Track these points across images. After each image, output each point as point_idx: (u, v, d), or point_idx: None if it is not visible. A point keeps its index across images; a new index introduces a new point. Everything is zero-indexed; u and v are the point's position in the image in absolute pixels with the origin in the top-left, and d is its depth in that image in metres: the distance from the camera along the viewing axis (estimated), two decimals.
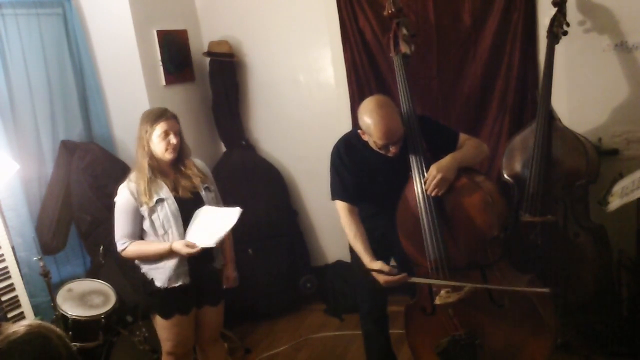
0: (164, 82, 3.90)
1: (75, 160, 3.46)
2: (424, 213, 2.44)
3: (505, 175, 3.15)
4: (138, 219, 2.55)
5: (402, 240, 2.54)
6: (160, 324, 2.66)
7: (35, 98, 3.41)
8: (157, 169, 2.57)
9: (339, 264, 4.20)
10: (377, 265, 2.42)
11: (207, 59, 4.18)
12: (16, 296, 2.88)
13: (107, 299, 3.12)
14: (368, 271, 2.45)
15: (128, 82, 3.75)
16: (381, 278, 2.41)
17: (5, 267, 2.87)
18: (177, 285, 2.58)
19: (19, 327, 1.42)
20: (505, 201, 2.56)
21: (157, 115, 2.52)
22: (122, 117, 3.83)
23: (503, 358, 2.47)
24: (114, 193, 2.61)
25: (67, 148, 3.50)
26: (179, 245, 2.48)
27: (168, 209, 2.54)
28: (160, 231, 2.55)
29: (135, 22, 3.68)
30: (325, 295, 4.19)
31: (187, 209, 2.57)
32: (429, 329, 2.59)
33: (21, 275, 2.95)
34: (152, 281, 2.60)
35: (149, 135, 2.51)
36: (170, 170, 2.62)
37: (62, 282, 3.22)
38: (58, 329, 1.48)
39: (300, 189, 4.34)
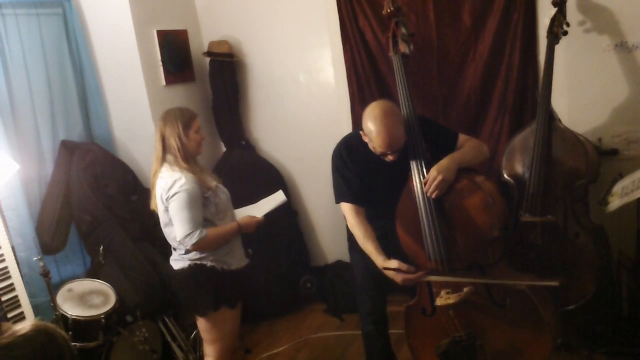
0: (164, 82, 3.90)
1: (75, 160, 3.46)
2: (424, 214, 2.42)
3: (505, 175, 3.15)
4: (202, 207, 2.54)
5: (402, 241, 2.53)
6: (225, 317, 2.63)
7: (35, 98, 3.41)
8: (192, 161, 2.63)
9: (339, 264, 4.20)
10: (393, 264, 2.35)
11: (207, 59, 4.18)
12: (16, 296, 2.88)
13: (107, 299, 3.12)
14: (383, 270, 2.40)
15: (128, 82, 3.75)
16: (398, 277, 2.36)
17: (5, 267, 2.87)
18: (245, 264, 2.69)
19: (26, 324, 1.46)
20: (505, 201, 2.55)
21: (191, 113, 2.62)
22: (122, 117, 3.83)
23: (504, 359, 2.47)
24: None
25: (67, 148, 3.51)
26: (246, 219, 2.66)
27: (224, 192, 2.66)
28: (222, 214, 2.61)
29: (135, 22, 3.68)
30: (325, 295, 4.20)
31: None
32: (429, 330, 2.59)
33: (21, 275, 2.95)
34: (222, 271, 2.58)
35: (185, 131, 2.55)
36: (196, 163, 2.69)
37: (62, 282, 3.23)
38: (63, 332, 1.52)
39: (300, 189, 4.34)
